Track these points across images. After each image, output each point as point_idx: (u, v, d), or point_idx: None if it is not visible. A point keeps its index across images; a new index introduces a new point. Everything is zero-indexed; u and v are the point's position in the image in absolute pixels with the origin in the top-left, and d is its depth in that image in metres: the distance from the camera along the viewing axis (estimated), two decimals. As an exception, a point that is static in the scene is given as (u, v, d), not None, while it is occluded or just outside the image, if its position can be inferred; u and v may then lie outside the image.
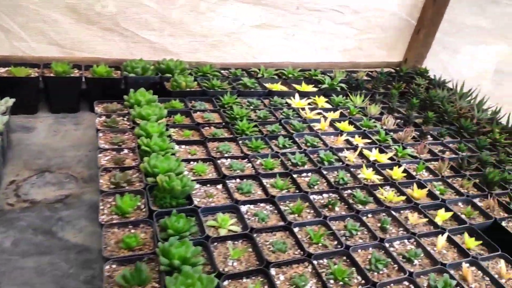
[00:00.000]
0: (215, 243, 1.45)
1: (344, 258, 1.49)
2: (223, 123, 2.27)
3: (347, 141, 2.36)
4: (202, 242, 1.41)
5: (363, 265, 1.46)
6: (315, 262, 1.44)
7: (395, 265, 1.49)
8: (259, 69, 3.04)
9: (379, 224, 1.71)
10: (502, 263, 1.57)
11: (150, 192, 1.60)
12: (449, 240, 1.69)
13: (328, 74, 3.27)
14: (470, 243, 1.68)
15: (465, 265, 1.52)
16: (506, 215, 1.96)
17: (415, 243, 1.64)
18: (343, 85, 3.03)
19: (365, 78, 3.37)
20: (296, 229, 1.58)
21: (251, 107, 2.52)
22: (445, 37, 3.61)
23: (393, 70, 3.63)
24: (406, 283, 1.43)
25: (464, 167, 2.30)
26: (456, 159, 2.37)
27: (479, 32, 3.42)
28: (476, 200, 2.03)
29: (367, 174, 2.04)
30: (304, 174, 1.97)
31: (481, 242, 1.71)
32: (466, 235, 1.72)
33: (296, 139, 2.26)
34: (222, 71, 2.96)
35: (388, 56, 3.88)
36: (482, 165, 2.36)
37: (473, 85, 3.17)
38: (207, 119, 2.28)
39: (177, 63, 2.68)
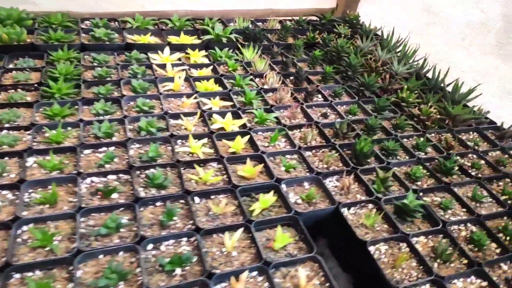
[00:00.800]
0: None
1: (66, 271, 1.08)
2: (36, 85, 1.82)
3: (199, 104, 1.89)
4: None
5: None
6: None
7: (139, 279, 1.08)
8: (134, 18, 2.53)
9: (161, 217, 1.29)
10: (301, 272, 1.14)
11: None
12: (251, 237, 1.26)
13: (232, 24, 2.75)
14: (281, 240, 1.26)
15: (242, 276, 1.10)
16: (363, 198, 1.51)
17: (195, 243, 1.21)
18: (235, 36, 2.51)
19: (277, 27, 2.84)
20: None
21: (94, 64, 2.05)
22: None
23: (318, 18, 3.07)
24: (135, 306, 1.02)
25: (341, 135, 1.83)
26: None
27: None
28: (333, 178, 1.59)
29: (193, 147, 1.59)
30: (103, 149, 1.53)
31: (297, 238, 1.28)
32: (279, 229, 1.28)
33: (130, 102, 1.81)
34: (86, 22, 2.46)
35: (318, 2, 3.30)
36: (368, 132, 1.89)
37: (403, 33, 2.62)
38: (17, 79, 1.82)
39: (12, 12, 2.19)
